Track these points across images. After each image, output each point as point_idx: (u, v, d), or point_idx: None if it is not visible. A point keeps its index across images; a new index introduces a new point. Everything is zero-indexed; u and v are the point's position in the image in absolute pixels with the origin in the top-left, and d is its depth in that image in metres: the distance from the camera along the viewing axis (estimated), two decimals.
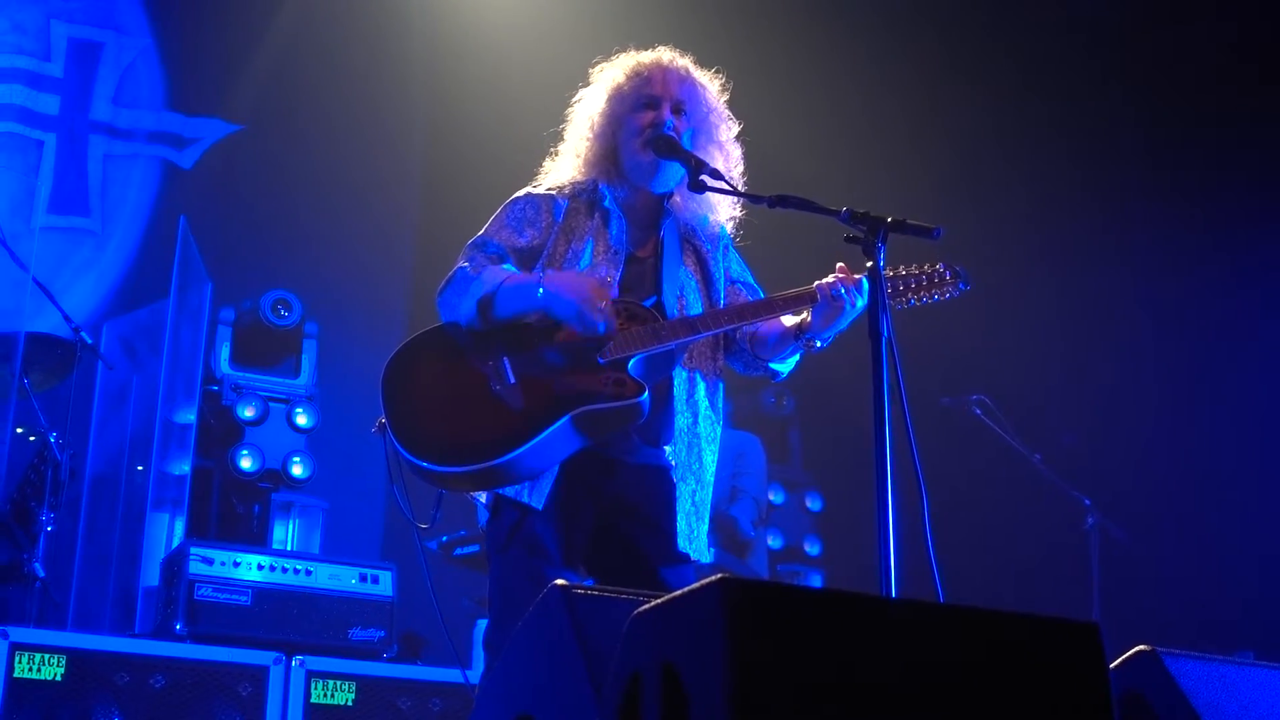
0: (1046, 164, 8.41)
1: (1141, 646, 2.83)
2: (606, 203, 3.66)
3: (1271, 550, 7.33)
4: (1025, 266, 8.12)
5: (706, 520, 3.68)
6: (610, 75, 3.75)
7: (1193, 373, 7.98)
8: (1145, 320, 8.29)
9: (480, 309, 3.46)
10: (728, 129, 3.74)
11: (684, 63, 3.74)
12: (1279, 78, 7.75)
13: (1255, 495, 7.52)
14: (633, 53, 3.77)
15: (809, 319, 3.56)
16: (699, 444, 3.63)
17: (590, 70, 3.81)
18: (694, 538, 3.62)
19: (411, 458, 3.37)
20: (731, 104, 3.80)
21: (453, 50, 8.41)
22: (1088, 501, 6.91)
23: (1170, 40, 8.05)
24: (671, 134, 3.59)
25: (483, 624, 5.67)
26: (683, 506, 3.60)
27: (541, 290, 3.43)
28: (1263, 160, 7.78)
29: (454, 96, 8.40)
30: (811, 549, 8.41)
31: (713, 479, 3.70)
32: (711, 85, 3.76)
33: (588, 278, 3.47)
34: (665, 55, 3.74)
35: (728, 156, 3.71)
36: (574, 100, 3.79)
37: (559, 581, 2.48)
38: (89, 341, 6.06)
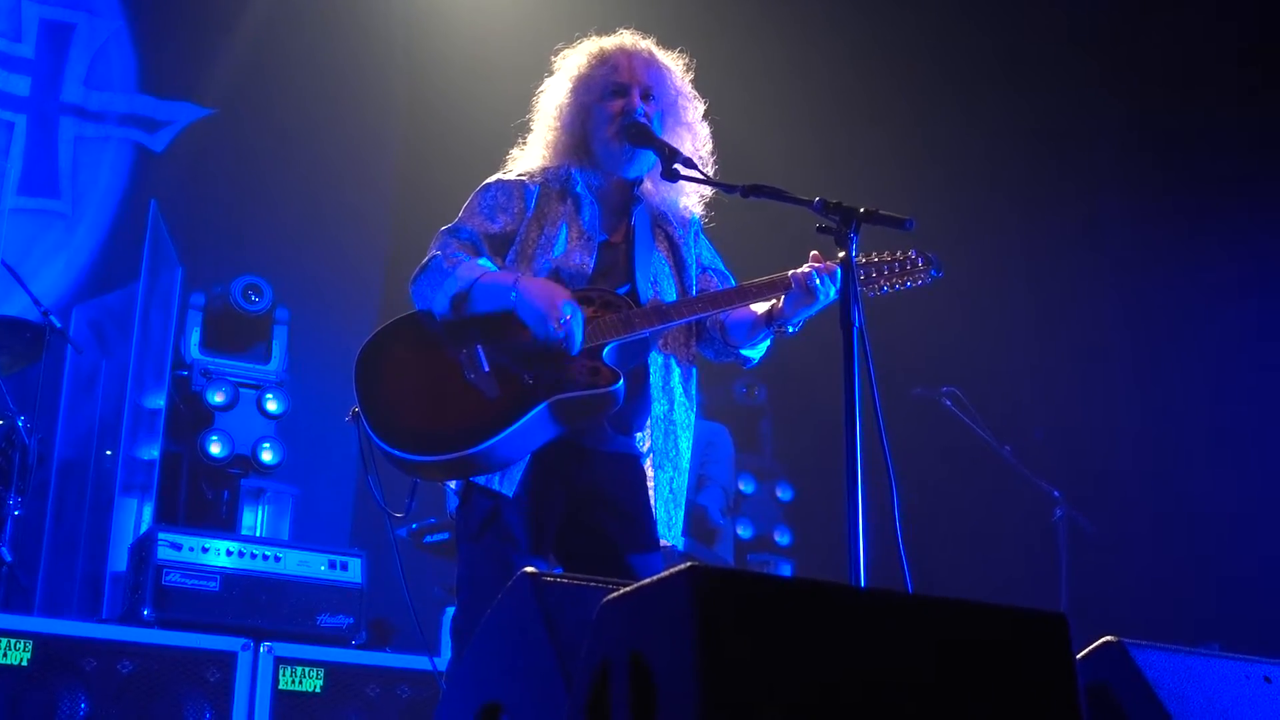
0: (1018, 156, 8.44)
1: (1108, 637, 2.85)
2: (578, 188, 3.65)
3: (1237, 542, 7.38)
4: (997, 259, 8.15)
5: (683, 507, 3.69)
6: (574, 62, 3.73)
7: (1162, 366, 8.02)
8: (1115, 313, 8.33)
9: (454, 305, 3.46)
10: (695, 109, 3.74)
11: (647, 45, 3.73)
12: (1254, 70, 7.78)
13: (1222, 487, 7.57)
14: (595, 38, 3.76)
15: (780, 305, 3.57)
16: (675, 430, 3.64)
17: (556, 57, 3.80)
18: (672, 524, 3.63)
19: (386, 446, 3.36)
20: (704, 93, 3.79)
21: (429, 36, 8.38)
22: (1057, 493, 6.93)
23: (1146, 32, 8.08)
24: (643, 120, 3.58)
25: (451, 611, 5.67)
26: (661, 493, 3.60)
27: (514, 294, 3.42)
28: (1236, 154, 7.81)
29: (430, 82, 8.37)
30: (782, 539, 8.42)
31: (689, 466, 3.70)
32: (676, 66, 3.75)
33: (558, 289, 3.45)
34: (628, 40, 3.73)
35: (695, 136, 3.71)
36: (539, 90, 3.78)
37: (528, 569, 2.48)
38: (58, 325, 6.02)
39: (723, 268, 3.83)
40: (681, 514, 3.67)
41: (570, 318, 3.36)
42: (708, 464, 7.19)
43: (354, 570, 5.76)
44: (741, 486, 8.34)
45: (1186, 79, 7.93)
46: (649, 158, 3.61)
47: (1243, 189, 7.73)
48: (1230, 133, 7.83)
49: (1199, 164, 7.93)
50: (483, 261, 3.54)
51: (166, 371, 6.65)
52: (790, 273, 3.51)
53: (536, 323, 3.38)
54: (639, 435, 3.61)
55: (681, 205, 3.76)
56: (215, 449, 6.61)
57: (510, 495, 3.43)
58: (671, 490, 3.63)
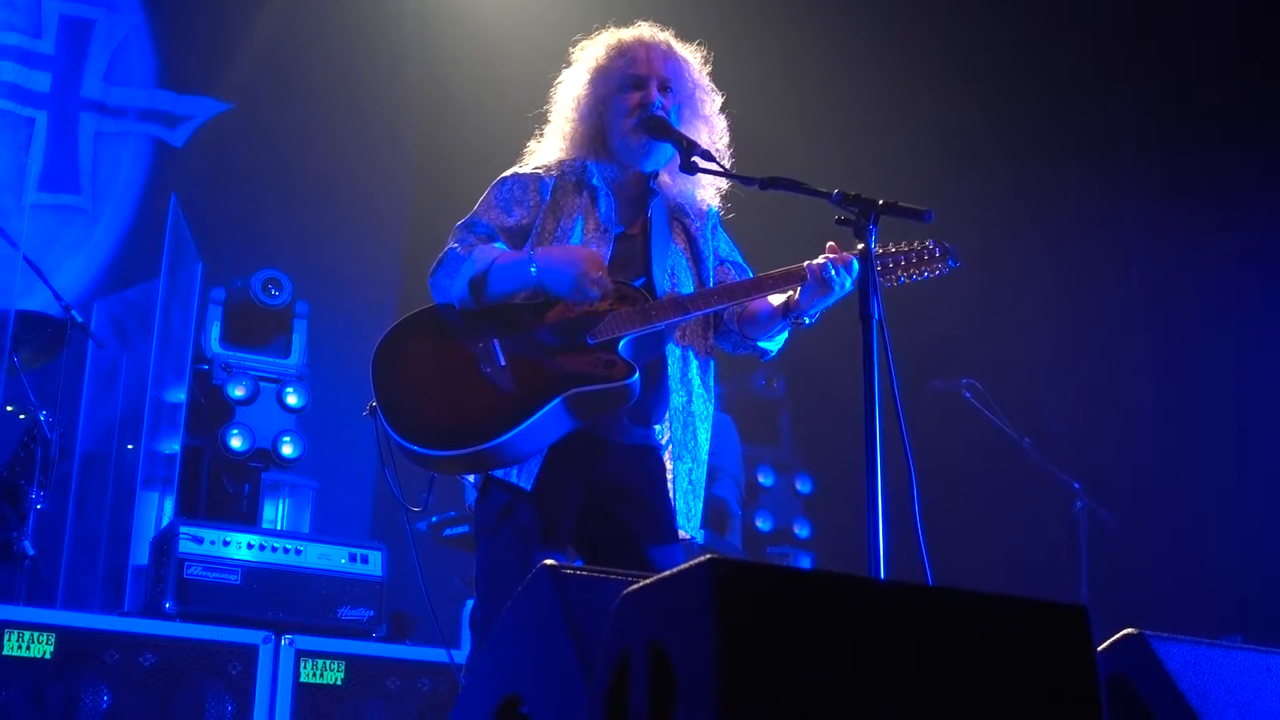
0: (1038, 147, 8.41)
1: (1129, 629, 2.84)
2: (594, 180, 3.65)
3: (1259, 534, 7.35)
4: (1016, 250, 8.12)
5: (702, 498, 3.69)
6: (592, 54, 3.73)
7: (1183, 356, 7.99)
8: (1136, 305, 8.30)
9: (472, 289, 3.46)
10: (712, 102, 3.73)
11: (665, 37, 3.72)
12: (1274, 62, 7.74)
13: (1243, 479, 7.54)
14: (613, 30, 3.76)
15: (796, 297, 3.56)
16: (694, 422, 3.64)
17: (574, 49, 3.80)
18: (691, 516, 3.63)
19: (402, 441, 3.37)
20: (721, 84, 3.79)
21: (446, 30, 8.38)
22: (1077, 485, 6.91)
23: (1165, 25, 8.04)
24: (661, 114, 3.58)
25: (471, 604, 5.68)
26: (680, 485, 3.60)
27: (534, 267, 3.43)
28: (1257, 145, 7.77)
29: (448, 76, 8.38)
30: (801, 531, 8.41)
31: (707, 457, 3.70)
32: (694, 59, 3.75)
33: (578, 248, 3.47)
34: (646, 32, 3.72)
35: (713, 129, 3.70)
36: (557, 81, 3.78)
37: (548, 562, 2.48)
38: (79, 320, 6.05)
39: (740, 260, 3.83)
40: (700, 505, 3.68)
41: (600, 273, 3.38)
42: (716, 455, 7.18)
43: (374, 563, 5.78)
44: (761, 479, 8.33)
45: (1209, 68, 7.89)
46: (667, 150, 3.60)
47: (1269, 177, 7.68)
48: (1255, 122, 7.78)
49: (1221, 152, 7.89)
50: (498, 245, 3.55)
51: (187, 366, 6.66)
52: (806, 264, 3.50)
53: (569, 288, 3.39)
54: (658, 427, 3.61)
55: (699, 198, 3.75)
56: (236, 443, 6.63)
57: (528, 488, 3.44)
58: (690, 481, 3.63)
